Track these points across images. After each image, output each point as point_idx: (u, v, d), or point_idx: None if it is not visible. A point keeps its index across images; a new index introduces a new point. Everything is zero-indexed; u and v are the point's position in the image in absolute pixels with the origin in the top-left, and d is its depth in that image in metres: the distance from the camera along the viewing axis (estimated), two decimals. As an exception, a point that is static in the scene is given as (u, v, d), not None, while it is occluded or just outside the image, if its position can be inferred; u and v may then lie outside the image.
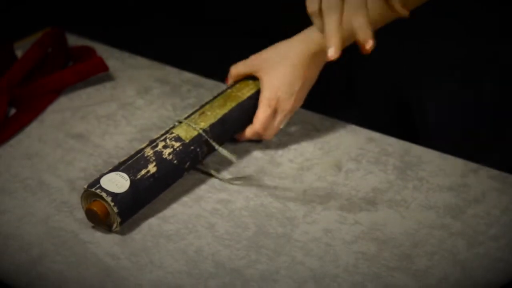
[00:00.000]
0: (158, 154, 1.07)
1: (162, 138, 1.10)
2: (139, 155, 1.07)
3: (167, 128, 1.12)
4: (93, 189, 1.02)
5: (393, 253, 1.02)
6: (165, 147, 1.08)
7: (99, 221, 1.02)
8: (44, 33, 1.38)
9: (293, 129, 1.24)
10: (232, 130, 1.17)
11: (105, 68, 1.35)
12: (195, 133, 1.11)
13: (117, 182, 1.03)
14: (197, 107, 1.16)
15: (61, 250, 1.01)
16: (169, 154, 1.08)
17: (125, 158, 1.07)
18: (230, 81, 1.20)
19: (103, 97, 1.32)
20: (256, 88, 1.18)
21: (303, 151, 1.20)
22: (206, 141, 1.12)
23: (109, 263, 1.00)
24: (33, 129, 1.24)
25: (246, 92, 1.18)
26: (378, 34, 0.99)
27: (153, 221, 1.06)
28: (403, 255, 1.01)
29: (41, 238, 1.03)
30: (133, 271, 0.99)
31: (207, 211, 1.08)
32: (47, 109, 1.29)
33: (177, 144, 1.09)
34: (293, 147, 1.20)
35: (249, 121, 1.18)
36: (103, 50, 1.42)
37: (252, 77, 1.20)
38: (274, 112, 1.15)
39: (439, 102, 1.34)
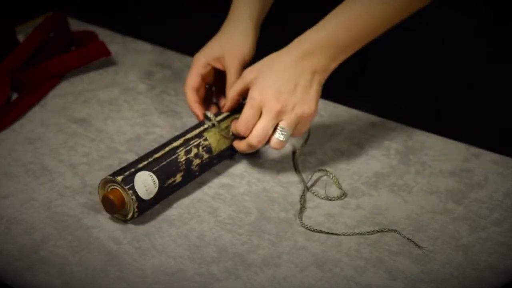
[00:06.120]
0: (188, 164, 1.07)
1: (196, 143, 1.09)
2: (173, 157, 1.06)
3: (203, 127, 1.11)
4: (127, 187, 1.01)
5: (395, 237, 1.02)
6: (196, 156, 1.08)
7: (112, 210, 1.02)
8: (46, 17, 1.38)
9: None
10: None
11: (107, 52, 1.35)
12: (224, 146, 1.12)
13: (148, 186, 1.03)
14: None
15: (64, 234, 1.01)
16: (196, 165, 1.08)
17: (160, 154, 1.06)
18: (227, 105, 1.15)
19: (105, 81, 1.32)
20: None
21: (306, 136, 1.19)
22: (230, 155, 1.14)
23: (111, 247, 1.00)
24: (35, 114, 1.24)
25: None
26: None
27: (155, 206, 1.06)
28: (405, 240, 1.01)
29: (44, 222, 1.03)
30: (135, 256, 0.99)
31: (209, 196, 1.08)
32: (49, 93, 1.29)
33: (206, 156, 1.10)
34: (296, 131, 1.20)
35: None
36: (105, 35, 1.42)
37: None
38: (259, 112, 1.10)
39: (449, 91, 1.34)
